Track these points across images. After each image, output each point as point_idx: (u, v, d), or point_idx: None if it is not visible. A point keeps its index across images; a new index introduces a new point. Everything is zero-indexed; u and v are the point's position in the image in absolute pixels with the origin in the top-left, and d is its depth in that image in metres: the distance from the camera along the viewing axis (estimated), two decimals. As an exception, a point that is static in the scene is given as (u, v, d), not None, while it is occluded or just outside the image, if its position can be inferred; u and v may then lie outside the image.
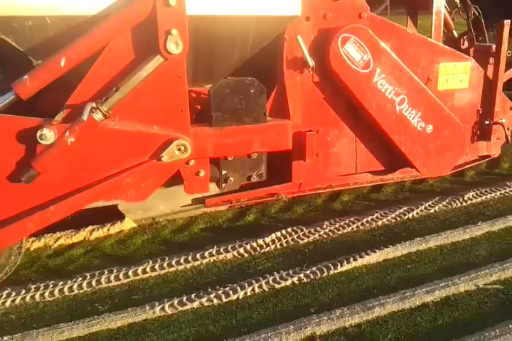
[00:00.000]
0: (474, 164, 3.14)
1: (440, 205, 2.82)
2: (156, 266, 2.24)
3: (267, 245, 2.42)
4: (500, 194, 2.95)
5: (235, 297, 2.01)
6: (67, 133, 1.84)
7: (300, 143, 2.45)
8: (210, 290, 2.06)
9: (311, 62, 2.33)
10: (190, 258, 2.30)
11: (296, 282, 2.11)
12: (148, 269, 2.23)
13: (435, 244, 2.41)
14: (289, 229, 2.55)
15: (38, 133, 1.82)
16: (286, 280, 2.11)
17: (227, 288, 2.05)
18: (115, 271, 2.21)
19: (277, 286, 2.07)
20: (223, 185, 2.45)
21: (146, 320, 1.91)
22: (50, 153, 1.85)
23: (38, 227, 2.00)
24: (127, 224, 2.61)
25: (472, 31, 3.18)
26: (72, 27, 1.91)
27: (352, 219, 2.69)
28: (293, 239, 2.48)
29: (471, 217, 2.68)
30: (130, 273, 2.20)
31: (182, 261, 2.28)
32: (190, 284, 2.13)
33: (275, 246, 2.42)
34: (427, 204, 2.83)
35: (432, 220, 2.68)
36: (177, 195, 2.48)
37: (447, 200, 2.86)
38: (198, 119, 2.28)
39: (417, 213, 2.75)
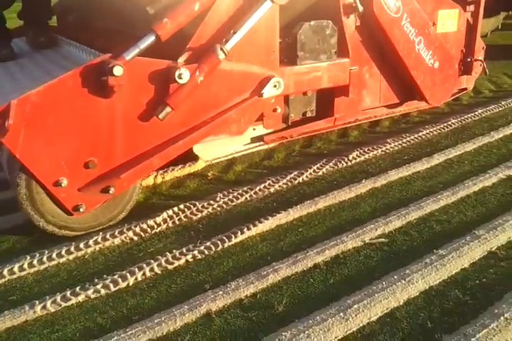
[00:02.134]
0: (456, 96, 3.78)
1: (327, 167, 2.88)
2: (35, 262, 2.04)
3: (159, 225, 2.31)
4: (382, 151, 3.09)
5: (124, 284, 1.89)
6: (197, 73, 2.07)
7: None
8: (96, 280, 1.91)
9: (361, 8, 2.72)
10: (72, 248, 2.12)
11: (190, 260, 2.04)
12: (25, 266, 2.02)
13: (324, 205, 2.46)
14: (182, 206, 2.46)
15: (177, 73, 2.02)
16: (179, 259, 2.03)
17: (116, 276, 1.92)
18: (-13, 272, 1.98)
19: (170, 267, 1.99)
20: (289, 120, 2.89)
21: (27, 321, 1.73)
22: (184, 91, 2.06)
23: (161, 163, 2.21)
24: (200, 165, 2.89)
25: None
26: None
27: (245, 188, 2.66)
28: (186, 216, 2.39)
29: (355, 176, 2.77)
30: (5, 272, 1.98)
31: (64, 252, 2.10)
32: (74, 277, 1.97)
33: (167, 225, 2.31)
34: (315, 167, 2.88)
35: (320, 182, 2.73)
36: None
37: (333, 161, 2.94)
38: None
39: (307, 176, 2.79)
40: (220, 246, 2.12)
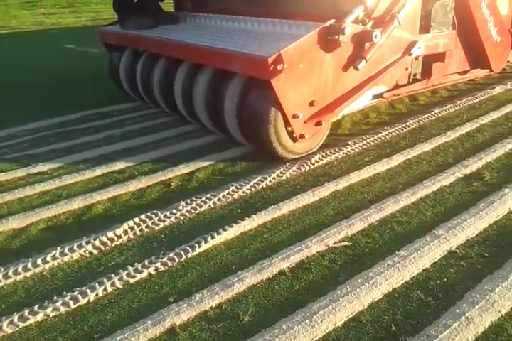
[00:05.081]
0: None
1: (290, 171, 2.89)
2: (-11, 281, 1.96)
3: (119, 237, 2.25)
4: (343, 153, 3.12)
5: (85, 301, 1.83)
6: (382, 34, 2.76)
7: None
8: (55, 298, 1.85)
9: None
10: (29, 265, 2.04)
11: (153, 272, 2.00)
12: (-21, 286, 1.93)
13: (288, 210, 2.46)
14: (143, 216, 2.41)
15: (374, 34, 2.70)
16: (141, 272, 1.98)
17: (76, 293, 1.86)
18: None
19: (132, 281, 1.94)
20: (410, 79, 3.68)
21: (-19, 346, 1.66)
22: (374, 48, 2.75)
23: (350, 104, 2.97)
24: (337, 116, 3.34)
25: None
26: None
27: (208, 195, 2.63)
28: (147, 226, 2.34)
29: (318, 179, 2.79)
30: (-43, 294, 1.89)
31: (20, 269, 2.02)
32: (32, 295, 1.90)
33: (128, 237, 2.26)
34: (278, 172, 2.87)
35: (284, 186, 2.73)
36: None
37: (296, 165, 2.95)
38: None
39: (270, 181, 2.78)
40: (184, 257, 2.09)
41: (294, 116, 2.73)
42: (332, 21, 2.64)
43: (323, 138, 3.14)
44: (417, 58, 3.53)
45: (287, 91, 2.61)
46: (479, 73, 4.42)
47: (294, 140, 2.90)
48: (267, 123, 2.75)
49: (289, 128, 2.84)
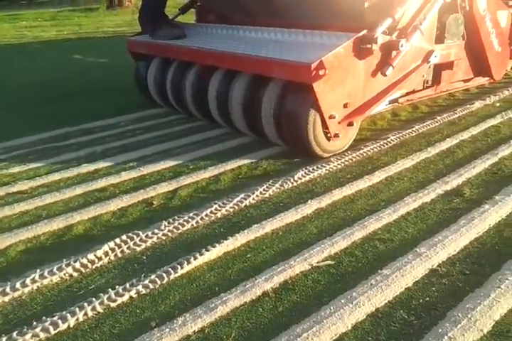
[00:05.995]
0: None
1: (274, 188, 2.89)
2: (-35, 307, 1.91)
3: (100, 259, 2.22)
4: (326, 170, 3.14)
5: (65, 326, 1.79)
6: (407, 43, 3.07)
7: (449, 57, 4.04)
8: (35, 323, 1.80)
9: (468, 7, 3.87)
10: (8, 289, 2.00)
11: (135, 296, 1.97)
12: (-46, 313, 1.88)
13: (271, 229, 2.45)
14: (124, 237, 2.38)
15: (400, 43, 3.00)
16: (122, 295, 1.95)
17: (56, 318, 1.82)
18: None
19: (113, 305, 1.90)
20: (425, 85, 4.03)
21: (-44, 377, 1.61)
22: (400, 55, 3.05)
23: (376, 107, 3.28)
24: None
25: None
26: None
27: (191, 214, 2.61)
28: (129, 247, 2.31)
29: (301, 196, 2.79)
30: None
31: (-2, 294, 1.97)
32: (10, 320, 1.85)
33: (109, 259, 2.23)
34: (261, 189, 2.87)
35: (267, 204, 2.73)
36: None
37: (280, 182, 2.95)
38: None
39: (253, 199, 2.78)
40: (166, 279, 2.06)
41: (331, 117, 3.02)
42: (365, 31, 2.93)
43: (352, 138, 3.40)
44: (429, 66, 3.80)
45: (325, 94, 2.90)
46: (480, 81, 4.82)
47: (329, 139, 3.18)
48: (305, 123, 3.01)
49: (325, 129, 3.11)
